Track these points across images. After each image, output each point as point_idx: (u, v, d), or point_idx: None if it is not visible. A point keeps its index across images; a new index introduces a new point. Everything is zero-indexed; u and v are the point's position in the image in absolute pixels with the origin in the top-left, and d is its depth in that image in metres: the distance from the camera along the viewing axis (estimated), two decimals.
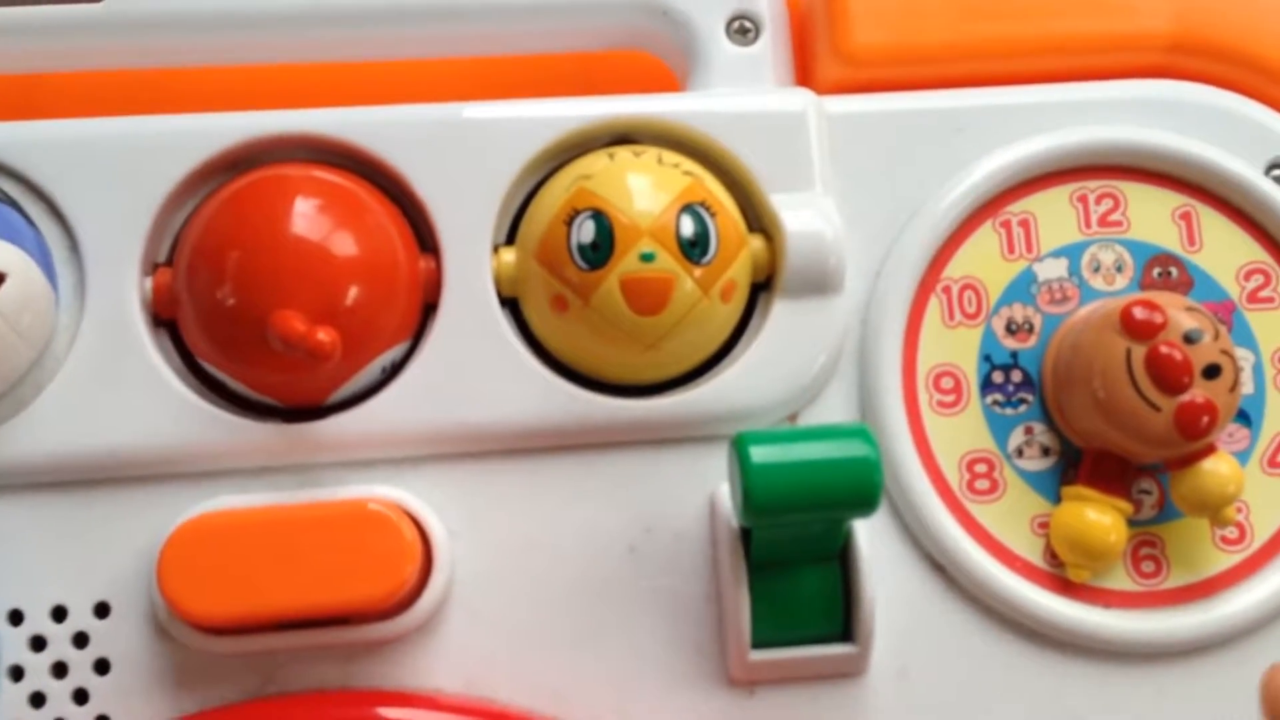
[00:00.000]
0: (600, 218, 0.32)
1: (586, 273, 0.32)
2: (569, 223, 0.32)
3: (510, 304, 0.34)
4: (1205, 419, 0.31)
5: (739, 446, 0.29)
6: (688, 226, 0.32)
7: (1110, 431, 0.33)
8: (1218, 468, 0.33)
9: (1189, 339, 0.32)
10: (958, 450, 0.34)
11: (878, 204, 0.36)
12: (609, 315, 0.32)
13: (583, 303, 0.32)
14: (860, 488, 0.29)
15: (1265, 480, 0.35)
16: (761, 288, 0.35)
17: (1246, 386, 0.35)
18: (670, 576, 0.33)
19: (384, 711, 0.31)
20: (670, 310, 0.32)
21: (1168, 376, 0.32)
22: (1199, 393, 0.32)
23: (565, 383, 0.33)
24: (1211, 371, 0.32)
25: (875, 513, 0.30)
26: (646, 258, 0.32)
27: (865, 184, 0.36)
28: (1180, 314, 0.32)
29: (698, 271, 0.32)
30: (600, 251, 0.32)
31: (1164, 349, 0.32)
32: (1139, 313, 0.32)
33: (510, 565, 0.33)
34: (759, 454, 0.29)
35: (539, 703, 0.32)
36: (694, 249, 0.32)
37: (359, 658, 0.32)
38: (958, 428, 0.34)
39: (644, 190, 0.33)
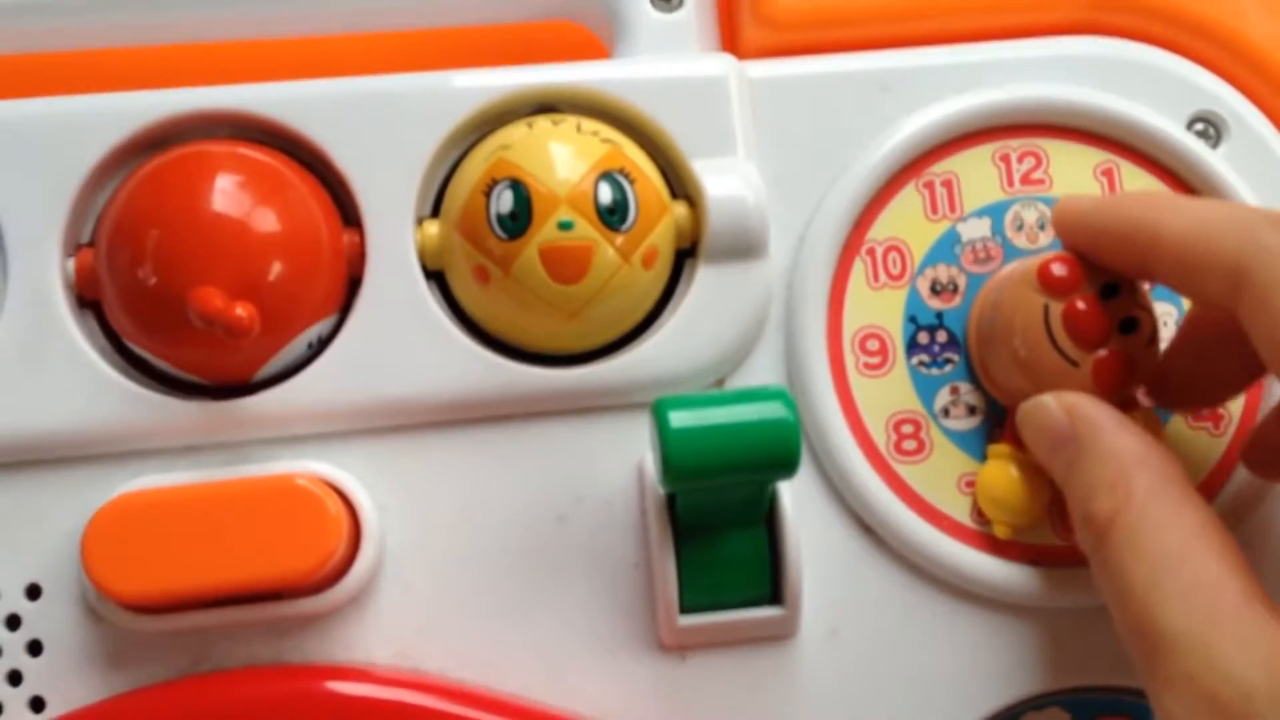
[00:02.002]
0: (518, 187, 0.32)
1: (506, 243, 0.32)
2: (488, 193, 0.32)
3: (437, 276, 0.34)
4: (1122, 373, 0.32)
5: (657, 412, 0.30)
6: (606, 194, 0.32)
7: (1032, 388, 0.33)
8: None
9: (1105, 293, 0.32)
10: (884, 411, 0.35)
11: (802, 167, 0.36)
12: (530, 285, 0.32)
13: (504, 273, 0.32)
14: (779, 449, 0.30)
15: (1189, 435, 0.35)
16: (687, 254, 0.35)
17: (1167, 342, 0.35)
18: (600, 545, 0.33)
19: (332, 685, 0.31)
20: (591, 278, 0.32)
21: (1084, 332, 0.32)
22: (1116, 347, 0.32)
23: (491, 354, 0.33)
24: (1128, 325, 0.32)
25: (796, 474, 0.30)
26: (565, 226, 0.32)
27: (789, 147, 0.36)
28: (1097, 269, 0.32)
29: (618, 239, 0.32)
30: (519, 221, 0.32)
31: (1080, 304, 0.32)
32: (1056, 269, 0.32)
33: (440, 537, 0.33)
34: (677, 419, 0.29)
35: (471, 673, 0.32)
36: (613, 216, 0.32)
37: (291, 633, 0.32)
38: (884, 389, 0.35)
39: (562, 159, 0.33)
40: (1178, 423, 0.35)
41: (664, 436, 0.29)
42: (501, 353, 0.34)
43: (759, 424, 0.30)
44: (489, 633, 0.33)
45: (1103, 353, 0.32)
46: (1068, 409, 0.30)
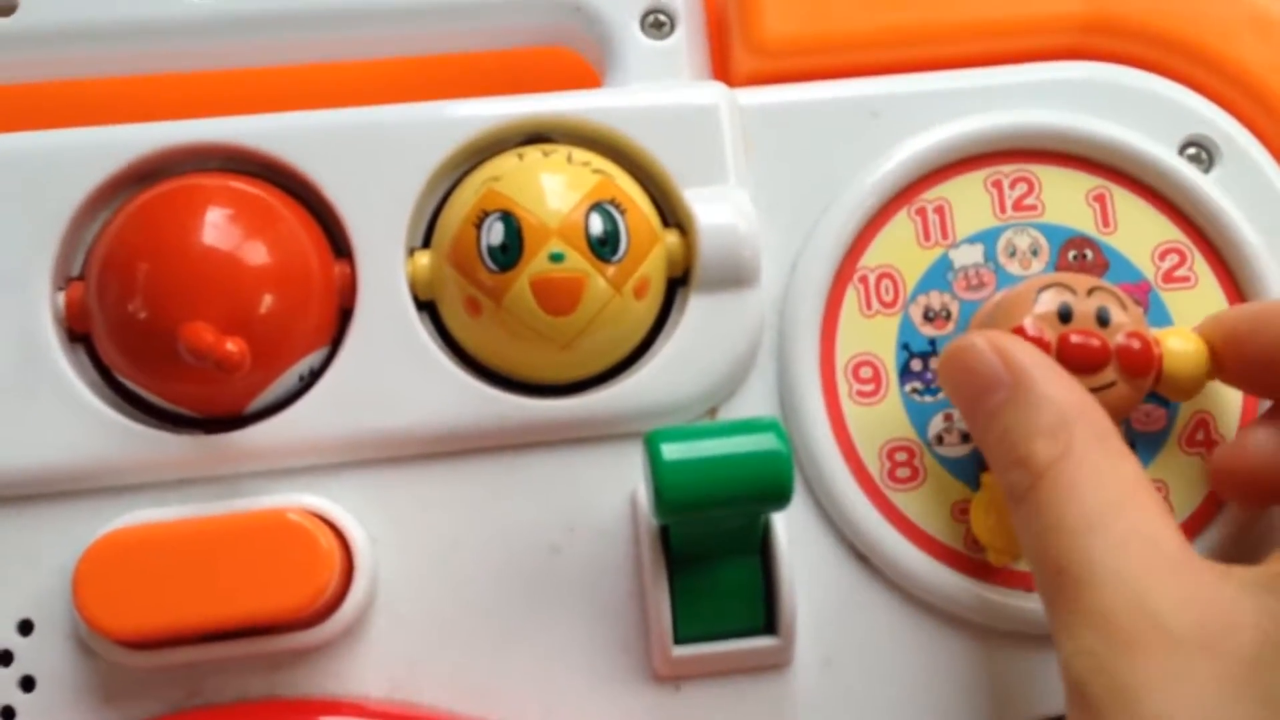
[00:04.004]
0: (509, 219, 0.32)
1: (497, 275, 0.32)
2: (478, 225, 0.32)
3: (429, 307, 0.34)
4: (1138, 345, 0.32)
5: (650, 445, 0.30)
6: (597, 225, 0.32)
7: None
8: (1176, 350, 0.33)
9: (1064, 318, 0.32)
10: (878, 439, 0.34)
11: (794, 195, 0.36)
12: (521, 316, 0.32)
13: (495, 305, 0.32)
14: (772, 481, 0.29)
15: (1184, 460, 0.35)
16: (680, 283, 0.35)
17: None
18: (593, 575, 0.33)
19: None
20: (582, 309, 0.32)
21: (1088, 361, 0.32)
22: (1117, 338, 0.32)
23: (483, 384, 0.33)
24: (1103, 317, 0.32)
25: (788, 506, 0.30)
26: (556, 258, 0.32)
27: (781, 175, 0.36)
28: (1076, 300, 0.32)
29: (609, 270, 0.32)
30: (510, 253, 0.32)
31: (1075, 338, 0.32)
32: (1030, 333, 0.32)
33: (433, 568, 0.33)
34: (669, 451, 0.29)
35: (463, 704, 0.32)
36: (604, 247, 0.32)
37: (284, 666, 0.32)
38: (877, 417, 0.35)
39: (552, 190, 0.33)
40: (1171, 447, 0.35)
41: (656, 470, 0.29)
42: (494, 383, 0.34)
43: (751, 456, 0.30)
44: (482, 664, 0.33)
45: (1121, 343, 0.32)
46: (1001, 352, 0.30)
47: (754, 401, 0.35)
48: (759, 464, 0.29)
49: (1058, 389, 0.30)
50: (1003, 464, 0.30)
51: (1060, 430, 0.29)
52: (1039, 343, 0.32)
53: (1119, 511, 0.28)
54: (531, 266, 0.32)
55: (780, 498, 0.30)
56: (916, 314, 0.35)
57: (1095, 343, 0.32)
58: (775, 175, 0.36)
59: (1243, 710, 0.25)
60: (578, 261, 0.32)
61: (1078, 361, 0.32)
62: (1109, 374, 0.32)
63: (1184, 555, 0.28)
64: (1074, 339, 0.32)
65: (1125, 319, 0.32)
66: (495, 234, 0.32)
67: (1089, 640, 0.26)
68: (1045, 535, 0.28)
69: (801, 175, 0.36)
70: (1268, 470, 0.32)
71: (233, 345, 0.30)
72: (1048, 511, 0.28)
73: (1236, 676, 0.25)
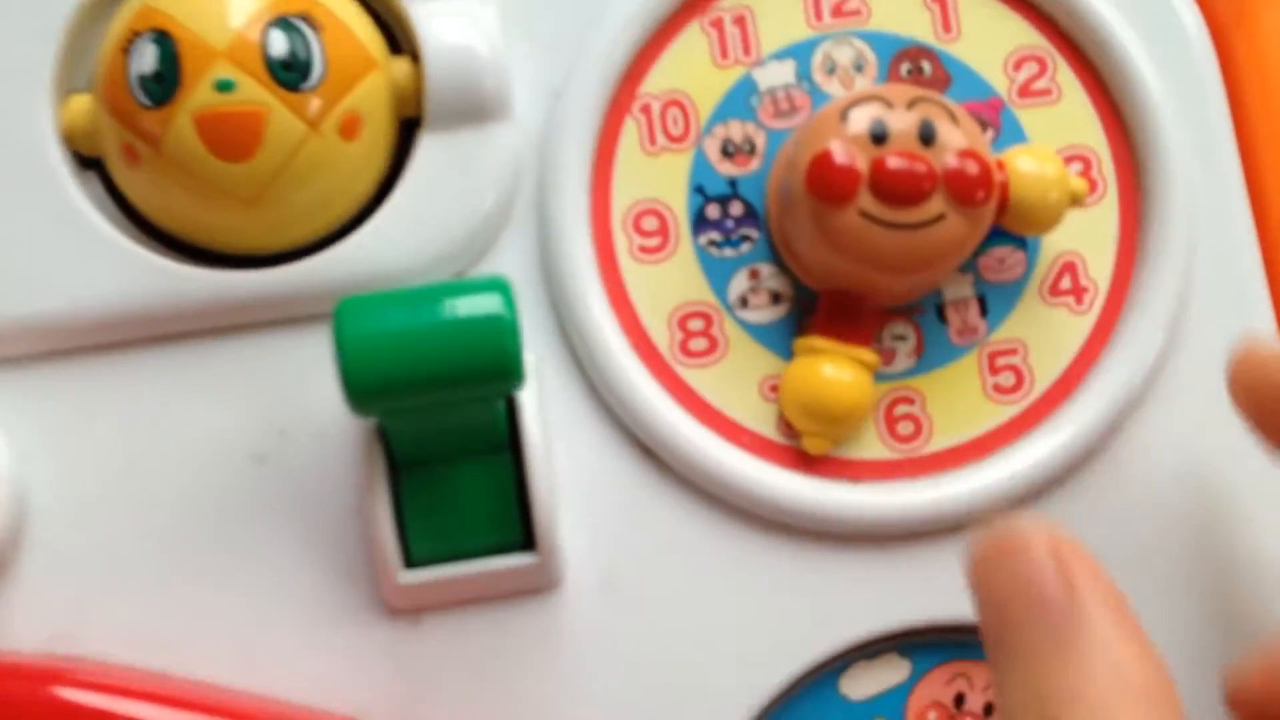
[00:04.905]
0: (163, 39, 0.25)
1: (152, 111, 0.25)
2: (128, 50, 0.25)
3: (100, 165, 0.27)
4: (974, 167, 0.25)
5: (336, 317, 0.23)
6: (279, 44, 0.25)
7: (845, 265, 0.26)
8: (1026, 171, 0.27)
9: (877, 138, 0.26)
10: (667, 305, 0.28)
11: (556, 7, 0.29)
12: (187, 163, 0.25)
13: (153, 150, 0.25)
14: (491, 355, 0.23)
15: (1046, 312, 0.28)
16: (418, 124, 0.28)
17: None
18: (309, 489, 0.27)
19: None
20: (266, 152, 0.25)
21: (908, 189, 0.25)
22: (946, 159, 0.25)
23: (155, 255, 0.27)
24: (927, 133, 0.26)
25: (520, 386, 0.24)
26: (224, 86, 0.25)
27: None
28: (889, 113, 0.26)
29: (299, 101, 0.26)
30: (165, 83, 0.25)
31: (892, 162, 0.25)
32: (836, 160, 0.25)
33: (104, 490, 0.27)
34: (355, 323, 0.23)
35: (144, 654, 0.26)
36: (289, 73, 0.25)
37: None
38: (666, 277, 0.28)
39: (223, 2, 0.26)
40: (1031, 298, 0.28)
41: (339, 346, 0.23)
42: (185, 257, 0.27)
43: (462, 323, 0.23)
44: (169, 604, 0.26)
45: (952, 165, 0.26)
46: (1063, 567, 0.21)
47: (508, 264, 0.28)
48: (472, 333, 0.23)
49: (1122, 650, 0.21)
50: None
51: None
52: (848, 172, 0.25)
53: None
54: (193, 99, 0.25)
55: (503, 376, 0.23)
56: (713, 149, 0.29)
57: (920, 167, 0.25)
58: None
59: None
60: (253, 90, 0.25)
61: (897, 190, 0.25)
62: (937, 204, 0.26)
63: None
64: (891, 163, 0.25)
65: (956, 135, 0.26)
66: (147, 59, 0.25)
67: None
68: None
69: None
70: None
71: None
72: None
73: None
